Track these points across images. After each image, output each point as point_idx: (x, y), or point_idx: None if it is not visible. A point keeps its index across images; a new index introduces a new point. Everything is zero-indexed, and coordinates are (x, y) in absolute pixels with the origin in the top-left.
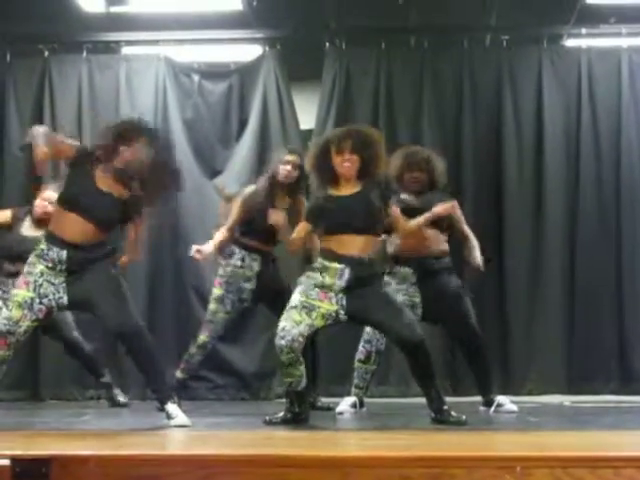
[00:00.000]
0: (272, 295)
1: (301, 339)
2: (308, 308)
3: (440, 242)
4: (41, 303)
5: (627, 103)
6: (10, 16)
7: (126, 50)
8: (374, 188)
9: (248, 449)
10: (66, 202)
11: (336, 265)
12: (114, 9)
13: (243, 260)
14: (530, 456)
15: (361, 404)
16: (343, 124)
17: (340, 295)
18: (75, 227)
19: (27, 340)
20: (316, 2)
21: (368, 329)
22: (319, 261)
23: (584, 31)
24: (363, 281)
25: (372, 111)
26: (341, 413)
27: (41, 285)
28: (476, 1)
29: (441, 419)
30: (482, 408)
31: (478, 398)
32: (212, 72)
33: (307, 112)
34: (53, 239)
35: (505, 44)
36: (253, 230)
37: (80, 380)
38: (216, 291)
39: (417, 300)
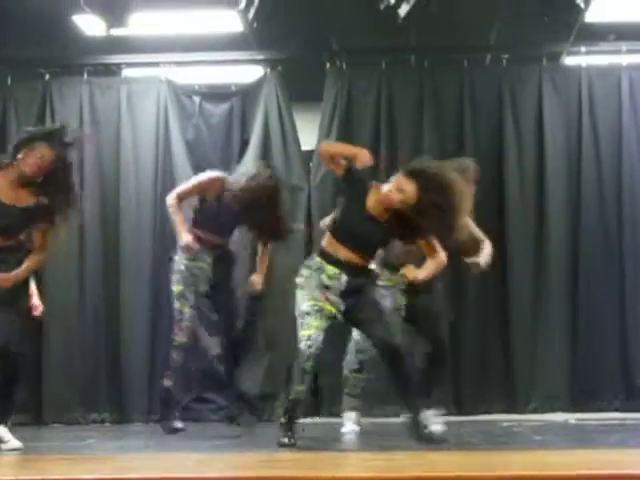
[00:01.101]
0: (222, 292)
1: (322, 345)
2: (320, 311)
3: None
4: None
5: (627, 120)
6: (11, 40)
7: (127, 72)
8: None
9: (253, 471)
10: None
11: (334, 268)
12: (115, 32)
13: (196, 253)
14: (534, 475)
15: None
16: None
17: (338, 297)
18: None
19: (30, 364)
20: (316, 23)
21: (358, 338)
22: (317, 260)
23: (584, 49)
24: (357, 287)
25: (373, 131)
26: (347, 433)
27: None
28: (476, 20)
29: (417, 433)
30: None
31: (482, 417)
32: (213, 94)
33: (308, 133)
34: None
35: (505, 63)
36: (206, 222)
37: (84, 403)
38: (175, 288)
39: (402, 304)
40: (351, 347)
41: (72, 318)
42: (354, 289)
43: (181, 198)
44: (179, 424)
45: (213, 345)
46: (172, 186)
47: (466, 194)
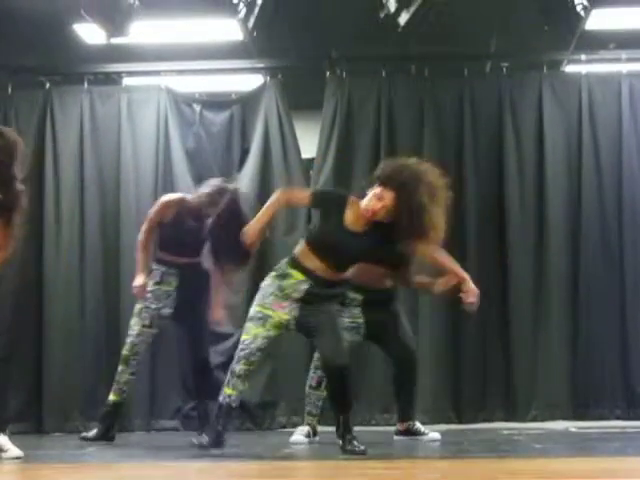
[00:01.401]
0: (190, 313)
1: (259, 353)
2: (263, 319)
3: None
4: None
5: (628, 128)
6: (12, 48)
7: (127, 81)
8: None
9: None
10: None
11: (299, 276)
12: (115, 40)
13: (161, 276)
14: None
15: (314, 433)
16: (344, 152)
17: (294, 305)
18: None
19: (30, 372)
20: (317, 31)
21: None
22: (284, 266)
23: (584, 57)
24: (319, 298)
25: (373, 139)
26: (295, 443)
27: None
28: (476, 28)
29: (343, 447)
30: (396, 437)
31: (483, 425)
32: (213, 102)
33: (308, 141)
34: None
35: (505, 71)
36: (168, 244)
37: (84, 412)
38: (137, 305)
39: (361, 321)
40: (313, 363)
41: (73, 327)
42: (312, 298)
43: (148, 232)
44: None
45: (215, 355)
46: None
47: (441, 182)
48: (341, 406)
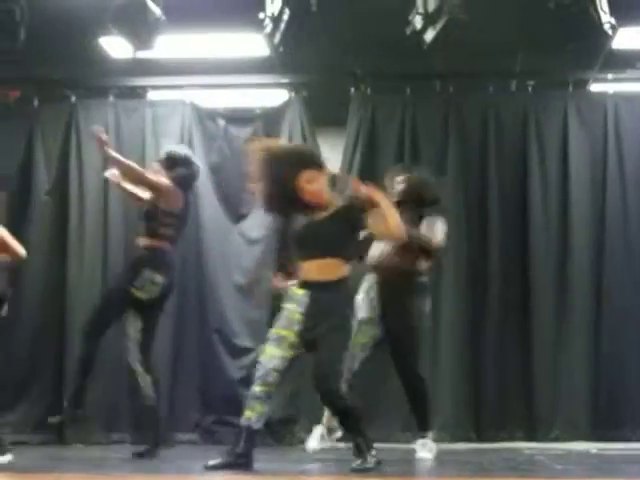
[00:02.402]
0: None
1: (275, 374)
2: (278, 340)
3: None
4: None
5: None
6: (38, 61)
7: (152, 95)
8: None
9: None
10: None
11: (300, 293)
12: (140, 54)
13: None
14: None
15: (330, 431)
16: (368, 169)
17: (301, 325)
18: None
19: (51, 384)
20: (341, 48)
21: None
22: (291, 289)
23: (610, 76)
24: (322, 307)
25: (397, 156)
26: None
27: None
28: (501, 46)
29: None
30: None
31: (503, 444)
32: (237, 117)
33: (332, 158)
34: None
35: (531, 89)
36: None
37: (105, 424)
38: None
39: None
40: None
41: None
42: (315, 311)
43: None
44: None
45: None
46: (195, 208)
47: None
48: (348, 430)
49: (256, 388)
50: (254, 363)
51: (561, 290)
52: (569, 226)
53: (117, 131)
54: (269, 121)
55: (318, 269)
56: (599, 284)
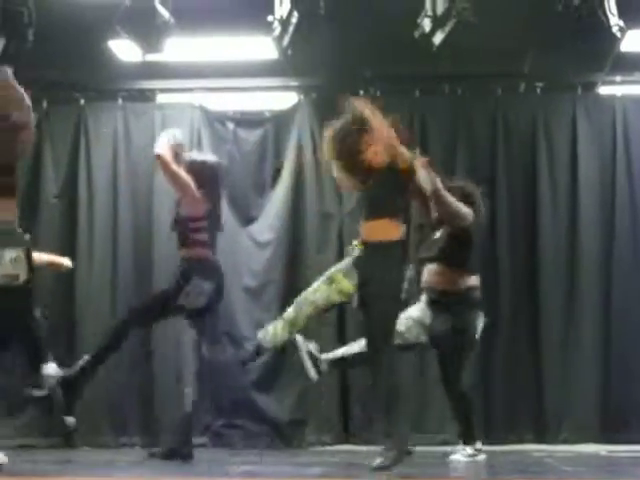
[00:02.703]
0: None
1: (310, 308)
2: (330, 279)
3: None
4: None
5: None
6: (47, 64)
7: (161, 98)
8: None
9: None
10: None
11: (359, 249)
12: (150, 57)
13: None
14: None
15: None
16: None
17: (354, 280)
18: None
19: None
20: (350, 50)
21: None
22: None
23: (619, 79)
24: (372, 267)
25: None
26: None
27: None
28: (510, 49)
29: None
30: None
31: (512, 447)
32: (247, 120)
33: None
34: None
35: (539, 92)
36: None
37: (114, 427)
38: None
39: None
40: None
41: None
42: (365, 270)
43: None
44: None
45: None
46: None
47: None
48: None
49: (288, 309)
50: (263, 366)
51: (570, 292)
52: (578, 228)
53: (126, 134)
54: (278, 124)
55: (370, 230)
56: (608, 287)
